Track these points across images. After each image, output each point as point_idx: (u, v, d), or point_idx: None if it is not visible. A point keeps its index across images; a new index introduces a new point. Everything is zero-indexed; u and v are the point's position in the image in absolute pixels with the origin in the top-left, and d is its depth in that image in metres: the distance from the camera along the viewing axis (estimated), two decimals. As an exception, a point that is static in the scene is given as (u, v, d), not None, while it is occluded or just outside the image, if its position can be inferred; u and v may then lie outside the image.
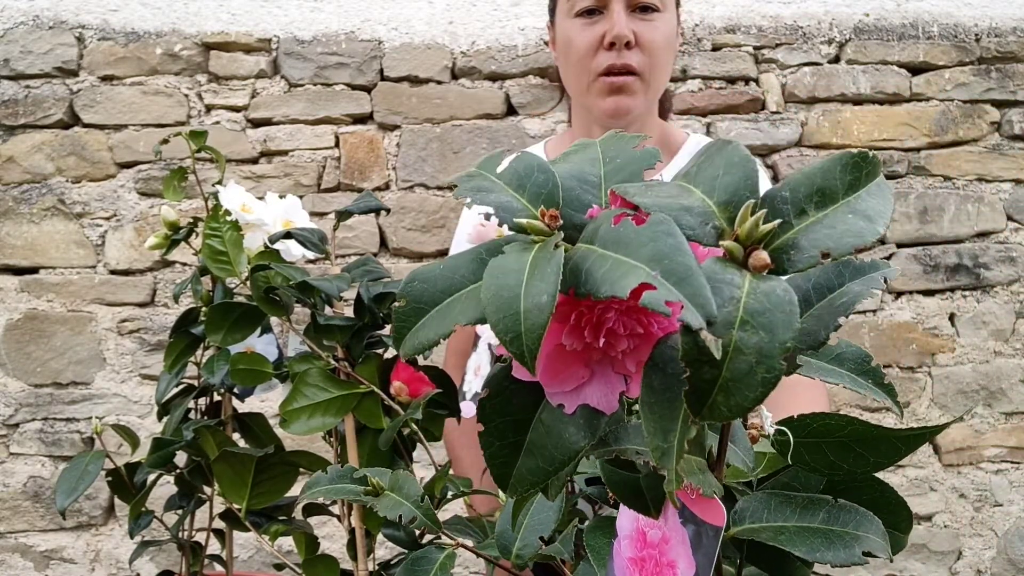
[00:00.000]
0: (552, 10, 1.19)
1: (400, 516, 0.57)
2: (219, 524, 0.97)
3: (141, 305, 2.23)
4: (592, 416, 0.34)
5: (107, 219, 2.23)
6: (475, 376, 0.86)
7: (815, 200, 0.33)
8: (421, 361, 0.86)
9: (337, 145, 2.23)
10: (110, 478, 0.96)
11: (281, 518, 0.93)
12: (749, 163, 0.33)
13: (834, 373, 0.41)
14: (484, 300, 0.31)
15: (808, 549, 0.41)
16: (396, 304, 0.36)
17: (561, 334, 0.33)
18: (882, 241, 2.20)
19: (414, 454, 0.88)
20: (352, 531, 0.86)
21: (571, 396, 0.35)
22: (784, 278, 0.32)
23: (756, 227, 0.31)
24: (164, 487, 1.01)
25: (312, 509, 0.96)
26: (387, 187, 2.23)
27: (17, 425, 2.24)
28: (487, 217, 0.35)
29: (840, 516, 0.42)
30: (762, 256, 0.31)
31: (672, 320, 0.32)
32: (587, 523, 0.53)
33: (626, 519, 0.46)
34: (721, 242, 0.31)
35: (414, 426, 0.82)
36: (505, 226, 0.88)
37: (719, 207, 0.32)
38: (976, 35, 2.25)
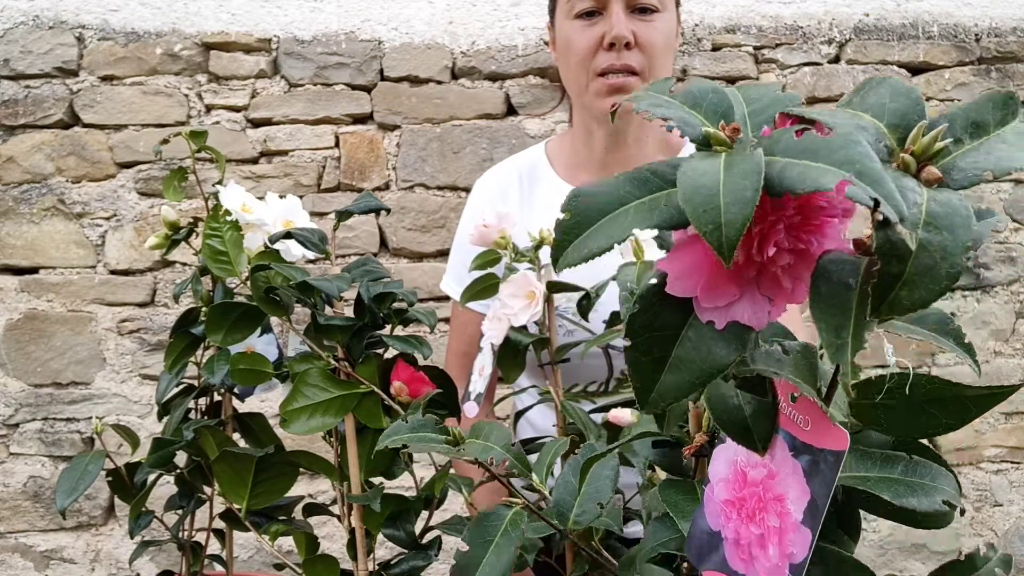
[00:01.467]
0: (552, 11, 1.20)
1: (491, 459, 0.59)
2: (219, 524, 0.96)
3: (141, 305, 2.23)
4: (741, 332, 0.37)
5: (107, 219, 2.23)
6: (479, 376, 0.86)
7: (970, 131, 0.36)
8: (421, 361, 0.86)
9: (337, 145, 2.23)
10: (110, 478, 0.96)
11: (281, 518, 0.93)
12: (914, 92, 0.37)
13: (919, 332, 0.44)
14: (682, 197, 0.33)
15: (894, 494, 0.44)
16: (560, 218, 0.37)
17: (714, 258, 0.36)
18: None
19: (414, 454, 0.88)
20: (352, 531, 0.86)
21: (721, 312, 0.37)
22: None
23: (933, 143, 0.35)
24: (164, 487, 1.01)
25: (312, 509, 0.96)
26: (387, 187, 2.23)
27: (17, 425, 2.24)
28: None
29: (917, 469, 0.45)
30: (934, 170, 0.34)
31: (833, 237, 0.36)
32: (658, 485, 0.54)
33: (721, 463, 0.47)
34: (902, 155, 0.35)
35: (414, 426, 0.82)
36: (505, 227, 0.88)
37: (889, 128, 0.36)
38: (976, 35, 2.25)
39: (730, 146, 0.36)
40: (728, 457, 0.47)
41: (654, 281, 0.38)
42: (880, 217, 0.32)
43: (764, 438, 0.44)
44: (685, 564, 0.57)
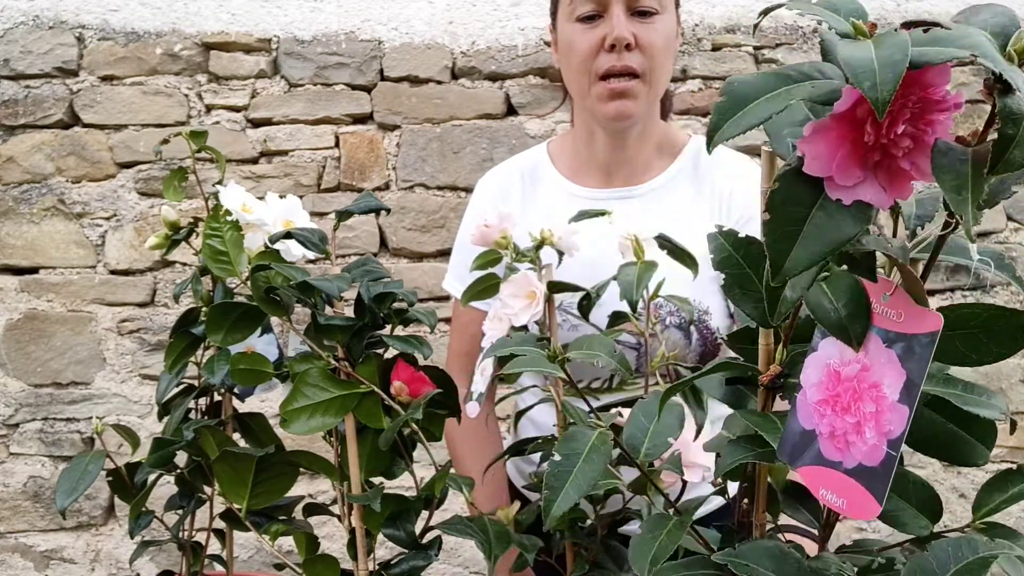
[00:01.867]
0: (553, 14, 1.20)
1: (596, 362, 0.66)
2: (219, 524, 0.97)
3: (141, 305, 2.23)
4: (865, 209, 0.44)
5: (107, 219, 2.23)
6: (481, 376, 0.86)
7: None
8: (422, 361, 0.86)
9: (337, 145, 2.23)
10: (110, 478, 0.96)
11: (281, 518, 0.93)
12: (1010, 10, 0.46)
13: (981, 264, 0.51)
14: (845, 63, 0.40)
15: (960, 401, 0.51)
16: (718, 100, 0.44)
17: (851, 141, 0.44)
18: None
19: (414, 454, 0.88)
20: (352, 531, 0.86)
21: (848, 192, 0.44)
22: None
23: None
24: (164, 487, 1.01)
25: (312, 509, 0.96)
26: (387, 187, 2.23)
27: (17, 425, 2.24)
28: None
29: (974, 390, 0.52)
30: None
31: (943, 132, 0.43)
32: (728, 418, 0.61)
33: (813, 369, 0.53)
34: (1008, 50, 0.43)
35: (414, 426, 0.82)
36: (507, 227, 0.87)
37: (993, 35, 0.43)
38: (976, 35, 2.25)
39: (870, 37, 0.43)
40: (820, 363, 0.53)
41: (788, 166, 0.45)
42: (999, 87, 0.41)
43: (859, 335, 0.51)
44: (740, 507, 0.63)
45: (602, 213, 0.86)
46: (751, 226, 1.16)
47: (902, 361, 0.49)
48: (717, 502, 1.23)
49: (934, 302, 2.22)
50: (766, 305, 0.51)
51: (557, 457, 0.60)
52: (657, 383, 0.78)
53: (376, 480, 0.88)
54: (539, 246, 0.85)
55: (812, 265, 0.44)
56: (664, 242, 0.76)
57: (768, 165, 0.55)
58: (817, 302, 0.51)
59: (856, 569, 0.57)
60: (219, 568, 1.01)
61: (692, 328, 1.14)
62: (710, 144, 0.45)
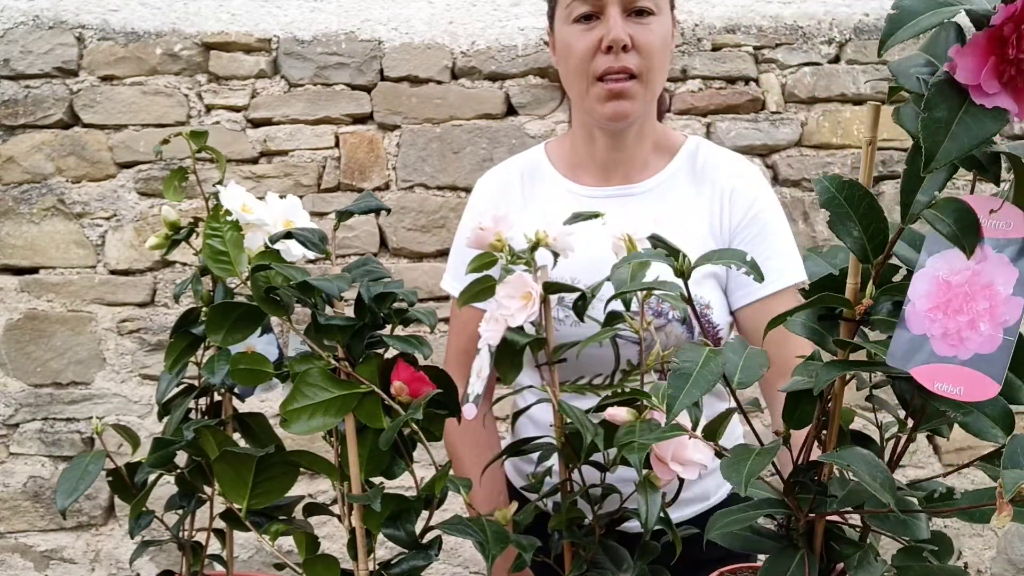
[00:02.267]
0: (551, 16, 1.20)
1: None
2: (219, 524, 0.97)
3: (141, 305, 2.24)
4: (1002, 114, 0.53)
5: (107, 219, 2.23)
6: (477, 378, 0.86)
7: None
8: (422, 361, 0.86)
9: (337, 145, 2.23)
10: (110, 478, 0.96)
11: (281, 518, 0.93)
12: None
13: None
14: None
15: None
16: (890, 12, 0.54)
17: (996, 55, 0.52)
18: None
19: (414, 454, 0.89)
20: (352, 531, 0.86)
21: (989, 98, 0.53)
22: None
23: None
24: (164, 487, 1.01)
25: (312, 509, 0.96)
26: (387, 187, 2.23)
27: (17, 425, 2.24)
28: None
29: None
30: None
31: None
32: (799, 366, 0.69)
33: (921, 283, 0.61)
34: None
35: (414, 426, 0.82)
36: (502, 230, 0.88)
37: None
38: (976, 35, 2.25)
39: None
40: (928, 276, 0.61)
41: (941, 77, 0.54)
42: None
43: (971, 245, 0.59)
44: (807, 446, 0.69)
45: (595, 215, 0.86)
46: (756, 222, 1.17)
47: (1014, 261, 0.58)
48: (701, 507, 1.24)
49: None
50: (901, 209, 0.59)
51: (676, 364, 0.66)
52: (653, 381, 0.78)
53: (376, 480, 0.88)
54: (534, 247, 0.86)
55: (959, 156, 0.53)
56: (656, 242, 0.76)
57: (872, 116, 0.65)
58: (934, 218, 0.60)
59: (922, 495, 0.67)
60: (219, 568, 1.01)
61: (694, 322, 1.14)
62: (882, 47, 0.53)
